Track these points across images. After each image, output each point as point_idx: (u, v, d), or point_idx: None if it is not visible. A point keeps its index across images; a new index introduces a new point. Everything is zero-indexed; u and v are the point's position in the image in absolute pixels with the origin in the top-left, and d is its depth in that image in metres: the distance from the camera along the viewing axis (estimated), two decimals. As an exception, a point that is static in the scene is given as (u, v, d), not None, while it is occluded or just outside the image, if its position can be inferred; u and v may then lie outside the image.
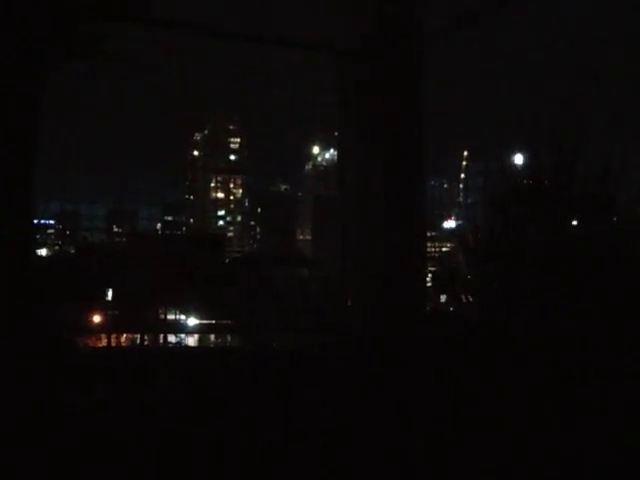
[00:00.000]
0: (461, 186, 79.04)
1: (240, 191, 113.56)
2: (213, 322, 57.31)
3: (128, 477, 6.02)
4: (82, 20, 7.34)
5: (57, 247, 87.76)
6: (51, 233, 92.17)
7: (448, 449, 5.93)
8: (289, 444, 6.24)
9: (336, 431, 6.44)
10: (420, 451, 6.00)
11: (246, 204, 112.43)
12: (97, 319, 42.64)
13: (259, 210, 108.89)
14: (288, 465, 6.00)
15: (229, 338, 53.48)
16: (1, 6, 6.87)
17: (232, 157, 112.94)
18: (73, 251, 71.94)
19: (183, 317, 58.85)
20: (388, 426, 6.47)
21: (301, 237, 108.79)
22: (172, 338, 52.86)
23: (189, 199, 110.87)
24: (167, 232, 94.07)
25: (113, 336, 43.50)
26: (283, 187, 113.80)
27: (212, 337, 56.71)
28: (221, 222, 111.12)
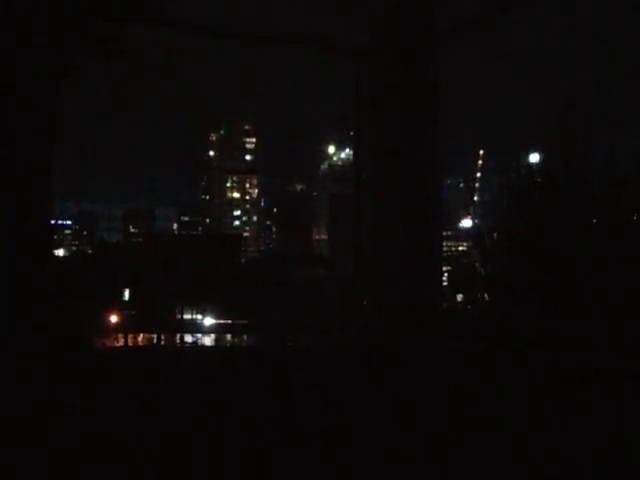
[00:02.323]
0: (477, 185, 78.61)
1: (256, 191, 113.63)
2: (229, 322, 57.40)
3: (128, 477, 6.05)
4: (97, 20, 7.38)
5: (74, 247, 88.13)
6: (68, 233, 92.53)
7: (448, 449, 5.93)
8: (289, 445, 6.25)
9: (336, 432, 6.44)
10: (420, 451, 6.00)
11: (262, 204, 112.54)
12: (114, 319, 42.81)
13: (275, 210, 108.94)
14: (287, 466, 6.02)
15: (245, 337, 53.51)
16: (15, 5, 6.92)
17: (248, 157, 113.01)
18: (90, 251, 72.24)
19: (199, 317, 58.97)
20: (389, 426, 6.46)
21: (317, 237, 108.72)
22: (189, 338, 52.96)
23: (205, 199, 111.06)
24: (183, 232, 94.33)
25: (130, 336, 43.62)
26: (299, 187, 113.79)
27: (228, 337, 56.79)
28: (237, 222, 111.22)
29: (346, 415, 6.82)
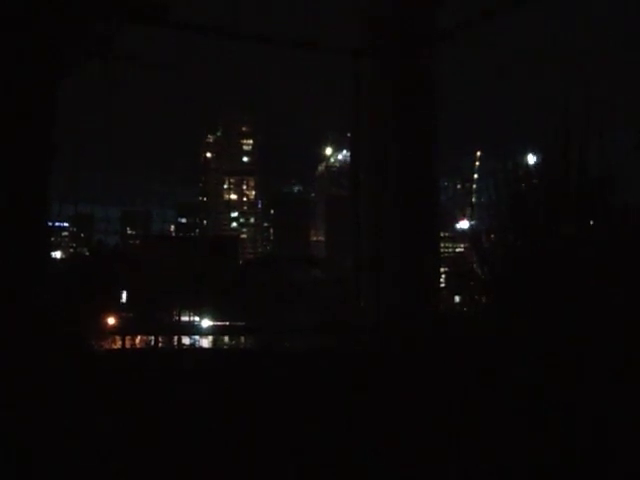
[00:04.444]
0: (474, 186, 78.97)
1: (253, 192, 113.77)
2: (227, 324, 57.38)
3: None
4: (98, 20, 7.38)
5: (71, 249, 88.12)
6: (65, 236, 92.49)
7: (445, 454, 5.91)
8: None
9: (330, 433, 6.44)
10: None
11: (259, 205, 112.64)
12: (112, 321, 42.80)
13: (272, 211, 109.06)
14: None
15: (242, 339, 53.50)
16: (17, 5, 6.91)
17: (245, 159, 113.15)
18: (87, 253, 72.23)
19: (197, 319, 58.95)
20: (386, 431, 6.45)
21: (314, 238, 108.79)
22: (186, 340, 52.93)
23: (202, 201, 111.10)
24: (181, 234, 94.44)
25: (127, 338, 43.56)
26: (296, 188, 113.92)
27: (226, 339, 56.75)
28: (234, 224, 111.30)
29: (341, 416, 6.82)
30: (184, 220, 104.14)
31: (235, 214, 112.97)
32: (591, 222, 7.40)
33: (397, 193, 10.39)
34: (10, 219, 7.24)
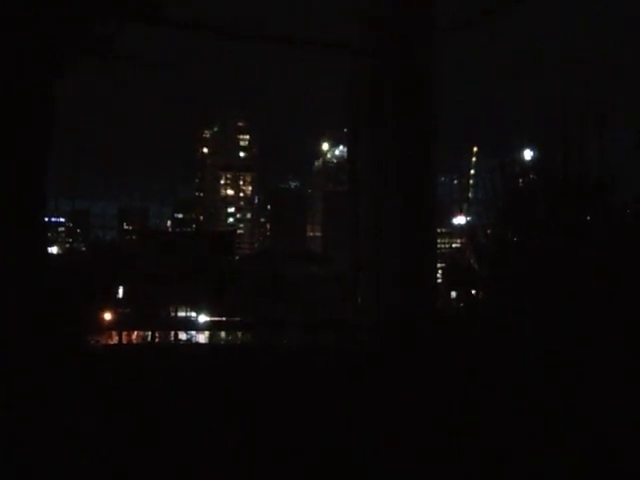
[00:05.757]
0: (471, 182, 78.85)
1: (250, 188, 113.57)
2: (223, 319, 57.20)
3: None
4: (97, 19, 7.37)
5: (68, 245, 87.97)
6: (62, 231, 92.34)
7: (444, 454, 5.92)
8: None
9: (323, 430, 6.46)
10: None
11: (256, 201, 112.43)
12: (109, 317, 42.70)
13: (269, 207, 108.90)
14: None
15: (239, 335, 53.35)
16: (17, 5, 6.90)
17: (241, 154, 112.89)
18: (84, 249, 72.02)
19: (194, 314, 58.80)
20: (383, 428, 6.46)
21: (311, 233, 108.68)
22: (183, 335, 52.79)
23: (199, 196, 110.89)
24: (177, 229, 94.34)
25: (124, 333, 43.44)
26: (293, 184, 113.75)
27: (222, 334, 56.55)
28: (231, 219, 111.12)
29: (341, 415, 6.82)
30: (180, 215, 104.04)
31: (232, 209, 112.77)
32: (590, 220, 7.41)
33: (397, 193, 10.40)
34: (10, 219, 7.23)
